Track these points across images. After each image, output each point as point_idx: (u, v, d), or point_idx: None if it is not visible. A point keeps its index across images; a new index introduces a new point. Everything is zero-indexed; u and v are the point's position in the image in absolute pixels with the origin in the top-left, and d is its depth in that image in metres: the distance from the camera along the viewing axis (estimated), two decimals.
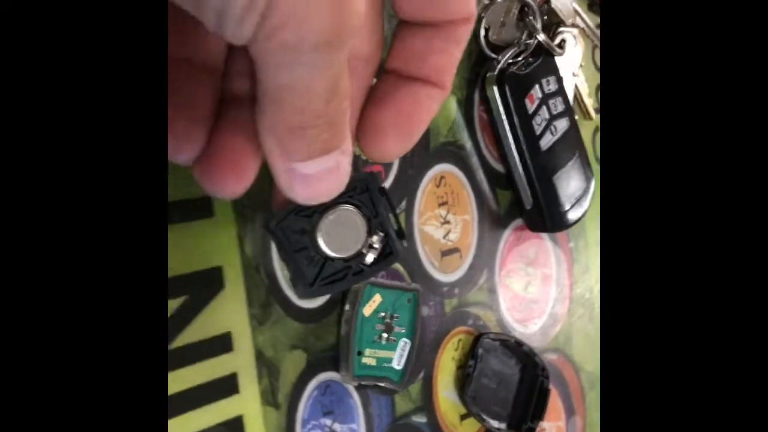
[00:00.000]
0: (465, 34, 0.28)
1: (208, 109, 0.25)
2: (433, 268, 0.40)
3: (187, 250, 0.30)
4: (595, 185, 0.45)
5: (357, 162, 0.37)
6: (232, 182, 0.25)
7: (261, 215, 0.33)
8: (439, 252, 0.41)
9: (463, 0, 0.27)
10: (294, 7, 0.19)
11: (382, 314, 0.36)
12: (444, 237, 0.41)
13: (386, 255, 0.30)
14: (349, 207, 0.29)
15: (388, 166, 0.38)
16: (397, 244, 0.30)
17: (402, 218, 0.39)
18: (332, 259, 0.28)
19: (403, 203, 0.39)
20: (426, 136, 0.40)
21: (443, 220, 0.41)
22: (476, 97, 0.43)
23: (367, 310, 0.36)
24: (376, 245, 0.29)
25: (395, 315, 0.37)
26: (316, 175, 0.25)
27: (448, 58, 0.28)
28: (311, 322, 0.35)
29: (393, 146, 0.28)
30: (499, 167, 0.44)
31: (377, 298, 0.36)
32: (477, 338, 0.42)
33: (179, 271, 0.30)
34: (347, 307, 0.35)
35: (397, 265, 0.38)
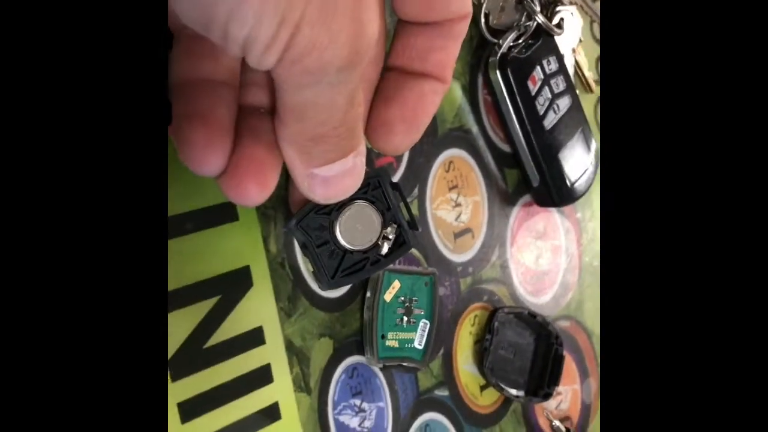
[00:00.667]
0: (463, 30, 0.29)
1: (229, 122, 0.27)
2: (448, 250, 0.42)
3: (217, 253, 0.32)
4: (599, 158, 0.47)
5: (369, 155, 0.38)
6: (256, 191, 0.27)
7: (282, 214, 0.35)
8: (452, 234, 0.42)
9: (461, 2, 0.28)
10: (316, 37, 0.20)
11: (402, 299, 0.38)
12: (456, 219, 0.43)
13: (400, 245, 0.32)
14: (364, 202, 0.31)
15: (399, 157, 0.40)
16: (409, 234, 0.32)
17: (415, 205, 0.40)
18: (351, 251, 0.31)
19: (416, 190, 0.41)
20: (433, 123, 0.42)
21: (455, 203, 0.43)
22: (480, 81, 0.44)
23: (388, 296, 0.38)
24: (390, 236, 0.31)
25: (414, 298, 0.39)
26: (334, 177, 0.27)
27: (448, 53, 0.29)
28: (336, 311, 0.37)
29: (402, 140, 0.30)
30: (505, 147, 0.45)
31: (396, 284, 0.38)
32: (492, 313, 0.44)
33: (211, 274, 0.32)
34: (368, 294, 0.38)
35: (414, 251, 0.40)
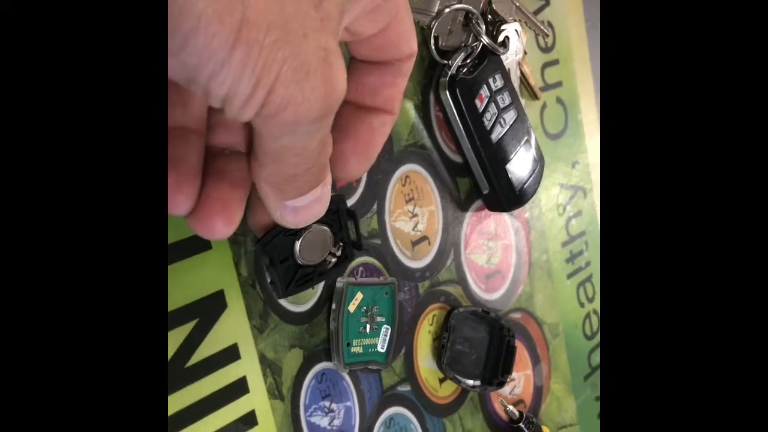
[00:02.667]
0: (410, 67, 0.32)
1: (197, 166, 0.30)
2: (406, 258, 0.46)
3: (193, 280, 0.36)
4: (543, 163, 0.51)
5: None
6: (222, 227, 0.30)
7: (250, 240, 0.38)
8: (410, 243, 0.46)
9: (408, 41, 0.31)
10: (290, 96, 0.22)
11: (365, 308, 0.42)
12: (413, 229, 0.46)
13: (343, 260, 0.37)
14: (322, 226, 0.36)
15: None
16: (350, 250, 0.37)
17: (375, 219, 0.44)
18: (303, 266, 0.35)
19: (374, 206, 0.44)
20: (389, 142, 0.45)
21: (411, 214, 0.46)
22: (431, 99, 0.47)
23: (352, 307, 0.41)
24: (337, 253, 0.37)
25: (376, 307, 0.42)
26: (304, 207, 0.30)
27: (396, 89, 0.33)
28: (304, 323, 0.40)
29: (356, 169, 0.33)
30: (457, 158, 0.49)
31: (359, 296, 0.42)
32: (449, 313, 0.48)
33: (188, 300, 0.36)
34: (334, 306, 0.41)
35: (375, 261, 0.44)
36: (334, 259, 0.37)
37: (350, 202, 0.43)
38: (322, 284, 0.41)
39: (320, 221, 0.35)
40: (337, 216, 0.37)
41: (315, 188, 0.30)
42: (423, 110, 0.47)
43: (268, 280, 0.37)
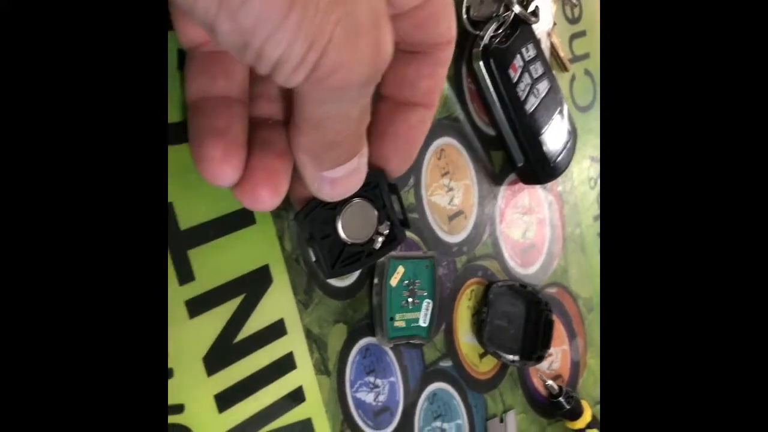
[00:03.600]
0: (449, 56, 0.31)
1: (243, 136, 0.29)
2: (443, 232, 0.45)
3: (238, 255, 0.35)
4: (576, 135, 0.50)
5: None
6: (269, 198, 0.30)
7: (292, 214, 0.38)
8: (446, 217, 0.46)
9: (448, 21, 0.31)
10: (342, 58, 0.21)
11: (406, 282, 0.41)
12: (449, 203, 0.46)
13: (391, 240, 0.36)
14: (363, 200, 0.35)
15: None
16: (400, 230, 0.36)
17: (411, 193, 0.43)
18: (349, 244, 0.35)
19: (411, 179, 0.44)
20: None
21: (447, 188, 0.46)
22: (464, 71, 0.47)
23: (394, 281, 0.41)
24: (383, 232, 0.36)
25: (417, 281, 0.42)
26: (341, 178, 0.30)
27: (435, 80, 0.32)
28: (347, 298, 0.40)
29: (396, 169, 0.33)
30: (490, 131, 0.48)
31: (400, 270, 0.41)
32: (487, 287, 0.47)
33: (235, 275, 0.35)
34: (376, 281, 0.41)
35: (414, 236, 0.43)
36: (381, 238, 0.36)
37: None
38: None
39: (361, 196, 0.34)
40: (379, 191, 0.35)
41: (353, 158, 0.29)
42: (455, 82, 0.46)
43: (313, 258, 0.37)
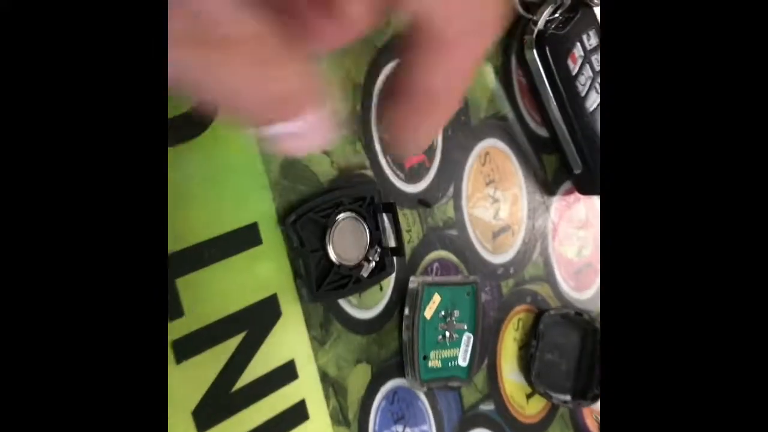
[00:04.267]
0: None
1: None
2: (487, 252, 0.38)
3: (240, 283, 0.29)
4: None
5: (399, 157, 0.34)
6: None
7: (282, 220, 0.31)
8: (491, 233, 0.39)
9: None
10: None
11: (443, 313, 0.35)
12: (494, 217, 0.39)
13: (381, 269, 0.32)
14: (357, 216, 0.31)
15: (431, 153, 0.36)
16: (389, 260, 0.32)
17: (450, 205, 0.37)
18: (338, 264, 0.30)
19: (450, 189, 0.37)
20: (466, 112, 0.37)
21: (492, 199, 0.39)
22: (513, 61, 0.40)
23: (428, 313, 0.34)
24: (372, 259, 0.31)
25: (455, 311, 0.35)
26: None
27: None
28: (372, 332, 0.33)
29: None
30: (543, 132, 0.41)
31: (436, 299, 0.34)
32: (537, 316, 0.40)
33: (235, 308, 0.29)
34: (407, 311, 0.34)
35: (452, 256, 0.37)
36: (371, 265, 0.32)
37: (422, 186, 0.35)
38: (391, 284, 0.34)
39: (355, 210, 0.31)
40: (371, 208, 0.32)
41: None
42: (504, 75, 0.39)
43: (299, 273, 0.31)
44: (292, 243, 0.30)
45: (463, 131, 0.37)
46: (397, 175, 0.34)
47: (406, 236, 0.35)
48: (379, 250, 0.31)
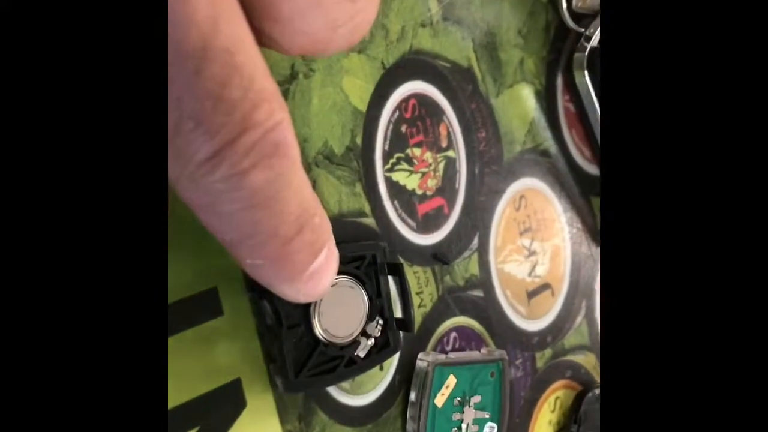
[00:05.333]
0: None
1: None
2: (519, 317, 0.31)
3: (194, 366, 0.22)
4: None
5: (411, 199, 0.28)
6: None
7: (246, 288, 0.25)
8: (524, 294, 0.32)
9: None
10: None
11: (459, 399, 0.28)
12: (530, 273, 0.32)
13: (382, 347, 0.25)
14: (352, 281, 0.24)
15: (451, 195, 0.29)
16: (395, 336, 0.25)
17: (474, 260, 0.30)
18: (324, 343, 0.24)
19: (474, 240, 0.30)
20: (497, 144, 0.31)
21: (528, 251, 0.32)
22: (559, 84, 0.33)
23: (440, 399, 0.27)
24: (372, 334, 0.25)
25: (475, 397, 0.28)
26: None
27: None
28: (367, 423, 0.27)
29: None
30: (593, 170, 0.34)
31: (451, 381, 0.27)
32: (579, 395, 0.33)
33: (186, 397, 0.22)
34: (413, 396, 0.27)
35: (474, 323, 0.30)
36: (368, 342, 0.25)
37: (438, 237, 0.28)
38: (394, 362, 0.27)
39: (352, 273, 0.24)
40: (372, 270, 0.25)
41: None
42: (547, 100, 0.32)
43: (272, 358, 0.24)
44: (262, 315, 0.23)
45: (492, 169, 0.30)
46: (407, 224, 0.28)
47: (416, 300, 0.28)
48: (380, 322, 0.25)
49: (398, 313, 0.26)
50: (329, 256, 0.19)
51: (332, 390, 0.26)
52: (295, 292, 0.19)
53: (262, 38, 0.18)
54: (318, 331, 0.23)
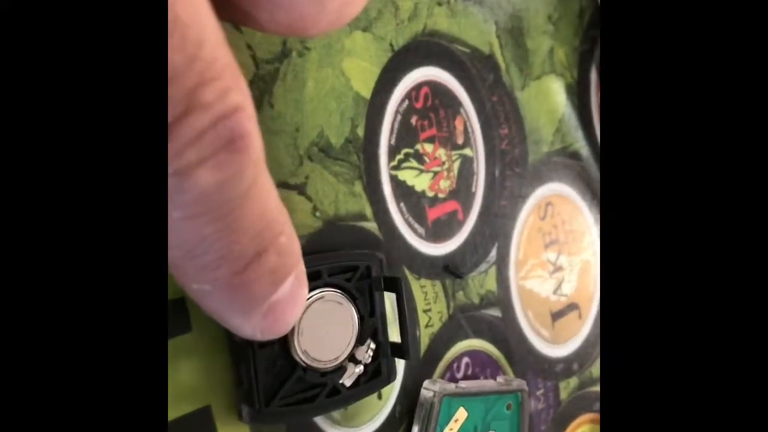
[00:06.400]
0: None
1: None
2: (542, 341, 0.28)
3: None
4: None
5: (420, 202, 0.24)
6: None
7: None
8: (548, 314, 0.28)
9: None
10: None
11: None
12: (555, 292, 0.28)
13: (372, 375, 0.22)
14: (341, 296, 0.21)
15: (467, 199, 0.25)
16: (390, 364, 0.22)
17: (491, 275, 0.26)
18: (303, 368, 0.20)
19: (492, 253, 0.26)
20: (521, 144, 0.27)
21: (553, 266, 0.28)
22: (593, 77, 0.29)
23: None
24: (361, 359, 0.21)
25: None
26: None
27: None
28: None
29: None
30: None
31: (461, 415, 0.24)
32: None
33: None
34: (416, 431, 0.24)
35: (490, 347, 0.26)
36: (357, 370, 0.21)
37: (450, 246, 0.25)
38: (395, 390, 0.24)
39: (341, 286, 0.21)
40: (366, 284, 0.22)
41: None
42: (578, 95, 0.29)
43: (241, 377, 0.21)
44: (230, 331, 0.20)
45: (515, 171, 0.27)
46: (415, 231, 0.24)
47: (423, 318, 0.24)
48: (372, 347, 0.21)
49: (395, 336, 0.22)
50: (297, 286, 0.16)
51: (320, 420, 0.22)
52: (250, 329, 0.16)
53: (235, 14, 0.15)
54: (296, 352, 0.20)
